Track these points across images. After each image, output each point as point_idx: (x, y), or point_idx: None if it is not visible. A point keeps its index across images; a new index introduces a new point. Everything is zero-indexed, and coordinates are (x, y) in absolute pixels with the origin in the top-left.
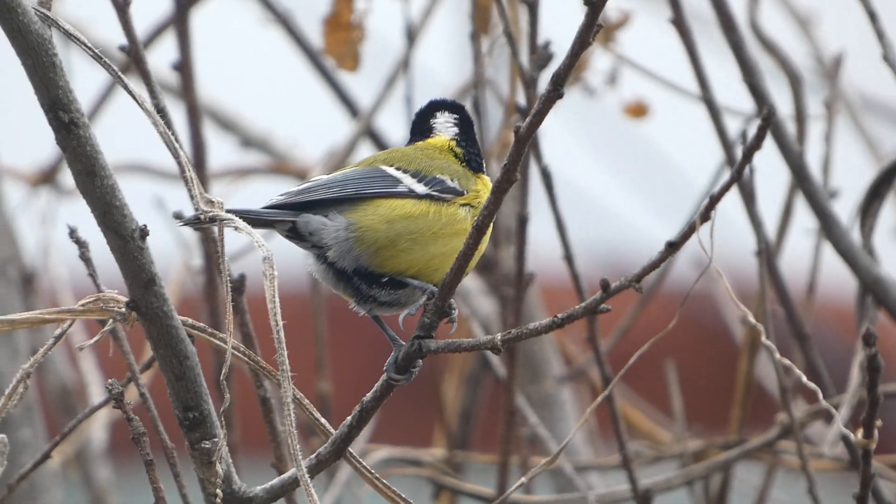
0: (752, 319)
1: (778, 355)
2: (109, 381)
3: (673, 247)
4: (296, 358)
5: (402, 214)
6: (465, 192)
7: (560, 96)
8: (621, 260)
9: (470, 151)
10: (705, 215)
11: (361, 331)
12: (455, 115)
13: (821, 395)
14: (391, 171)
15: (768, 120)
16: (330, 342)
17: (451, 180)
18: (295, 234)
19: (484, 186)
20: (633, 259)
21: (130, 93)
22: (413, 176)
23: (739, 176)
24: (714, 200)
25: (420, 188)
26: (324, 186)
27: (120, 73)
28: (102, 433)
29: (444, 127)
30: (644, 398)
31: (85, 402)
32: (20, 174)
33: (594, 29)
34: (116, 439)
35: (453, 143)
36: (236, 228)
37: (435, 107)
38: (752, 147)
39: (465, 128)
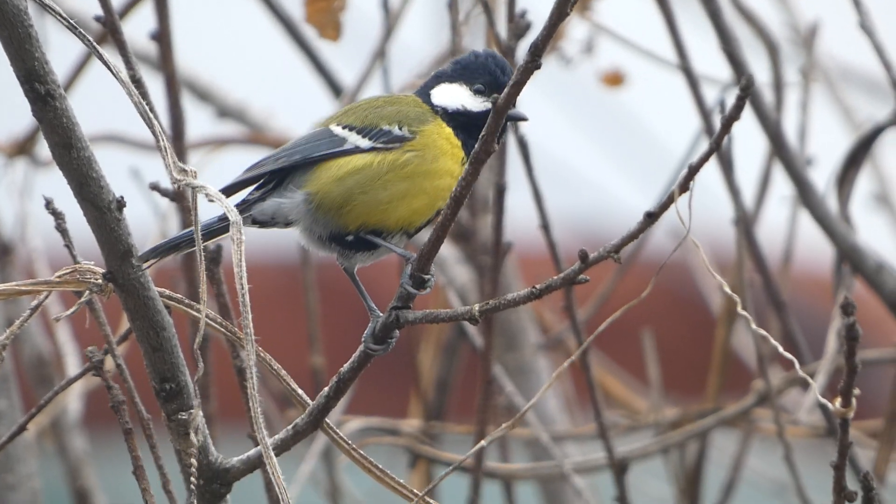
0: (728, 290)
1: (754, 325)
2: (89, 348)
3: (651, 217)
4: (287, 331)
5: (350, 170)
6: (413, 138)
7: (538, 67)
8: (599, 229)
9: (469, 114)
10: (684, 185)
11: (353, 304)
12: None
13: (797, 364)
14: (337, 130)
15: (747, 89)
16: (322, 316)
17: (400, 128)
18: (259, 223)
19: (439, 129)
20: (610, 228)
21: (106, 63)
22: (359, 132)
23: (718, 146)
24: (693, 171)
25: (364, 142)
26: (272, 158)
27: (95, 44)
28: (78, 403)
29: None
30: (621, 367)
31: (61, 373)
32: None
33: None
34: (92, 410)
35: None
36: (208, 196)
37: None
38: (732, 117)
39: (456, 70)
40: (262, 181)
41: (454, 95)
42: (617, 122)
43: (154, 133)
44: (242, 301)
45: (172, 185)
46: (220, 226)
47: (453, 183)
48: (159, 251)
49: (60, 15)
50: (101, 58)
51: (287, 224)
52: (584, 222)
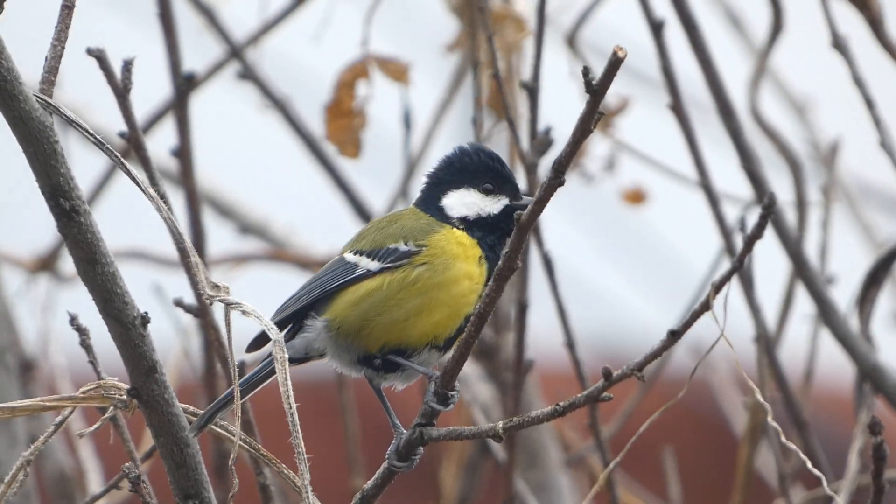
0: (760, 398)
1: (783, 437)
2: (126, 464)
3: (675, 335)
4: (319, 452)
5: (363, 294)
6: (420, 251)
7: (561, 183)
8: (619, 346)
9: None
10: (707, 304)
11: (384, 422)
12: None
13: (824, 481)
14: (350, 257)
15: (770, 208)
16: (361, 437)
17: (405, 243)
18: (296, 361)
19: (445, 234)
20: (631, 346)
21: (134, 179)
22: (368, 255)
23: (741, 265)
24: (716, 289)
25: (374, 265)
26: (294, 298)
27: (123, 160)
28: None
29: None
30: (642, 485)
31: (83, 490)
32: (19, 261)
33: (596, 116)
34: None
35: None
36: (244, 312)
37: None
38: (754, 236)
39: (454, 173)
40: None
41: (469, 203)
42: (637, 239)
43: (184, 249)
44: (292, 421)
45: (205, 301)
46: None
47: (473, 286)
48: (208, 416)
49: (88, 132)
50: (129, 174)
51: (321, 355)
52: (604, 339)
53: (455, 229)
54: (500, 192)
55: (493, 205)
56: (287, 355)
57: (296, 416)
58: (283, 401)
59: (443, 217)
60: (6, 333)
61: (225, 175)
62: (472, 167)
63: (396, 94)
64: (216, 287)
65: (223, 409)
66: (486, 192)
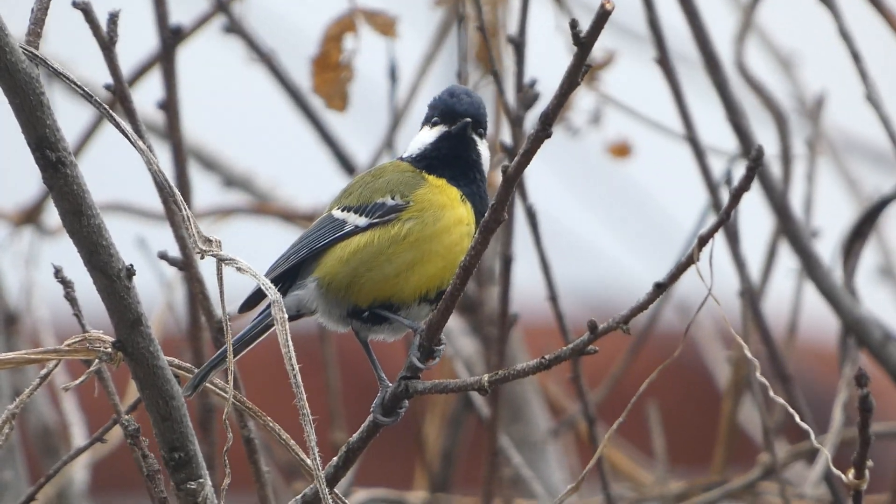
0: (748, 354)
1: (771, 392)
2: (126, 417)
3: (661, 287)
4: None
5: (352, 250)
6: (408, 205)
7: (548, 136)
8: (604, 300)
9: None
10: (696, 255)
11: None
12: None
13: (812, 434)
14: (338, 214)
15: (758, 161)
16: (342, 390)
17: (392, 198)
18: (290, 318)
19: (431, 188)
20: (616, 300)
21: (122, 131)
22: (356, 211)
23: (728, 217)
24: (702, 241)
25: (362, 221)
26: (283, 257)
27: (112, 113)
28: (84, 474)
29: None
30: (626, 440)
31: (67, 443)
32: (2, 214)
33: (583, 69)
34: (97, 480)
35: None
36: (238, 269)
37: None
38: (741, 188)
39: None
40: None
41: (416, 140)
42: (622, 194)
43: (174, 202)
44: (295, 383)
45: (192, 254)
46: (263, 325)
47: (466, 229)
48: (201, 376)
49: (75, 83)
50: (118, 127)
51: (312, 312)
52: (589, 293)
53: (437, 179)
54: (443, 123)
55: (432, 134)
56: (286, 315)
57: (299, 377)
58: (285, 362)
59: (412, 163)
60: None
61: (210, 129)
62: (430, 107)
63: (380, 48)
64: (208, 241)
65: (216, 369)
66: (433, 125)
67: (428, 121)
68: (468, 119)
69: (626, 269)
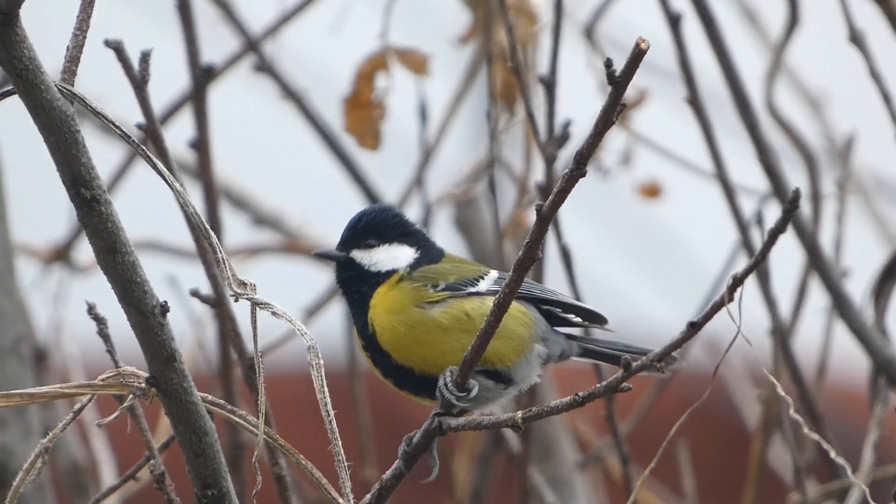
0: (781, 392)
1: (806, 429)
2: (152, 462)
3: (695, 327)
4: (326, 440)
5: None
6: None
7: (583, 175)
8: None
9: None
10: (729, 296)
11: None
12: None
13: (849, 469)
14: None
15: (794, 203)
16: (372, 427)
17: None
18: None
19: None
20: (640, 340)
21: (159, 172)
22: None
23: (763, 258)
24: (737, 282)
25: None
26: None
27: (148, 153)
28: None
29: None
30: (656, 479)
31: (97, 481)
32: (34, 251)
33: (618, 108)
34: None
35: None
36: (274, 313)
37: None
38: (777, 230)
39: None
40: None
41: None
42: (647, 234)
43: (208, 243)
44: (330, 429)
45: (224, 294)
46: None
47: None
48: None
49: (112, 122)
50: (154, 166)
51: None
52: (615, 335)
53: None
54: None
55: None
56: (322, 361)
57: (334, 423)
58: (320, 408)
59: None
60: (21, 323)
61: (239, 167)
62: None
63: (405, 87)
64: (243, 284)
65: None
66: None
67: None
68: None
69: (651, 310)
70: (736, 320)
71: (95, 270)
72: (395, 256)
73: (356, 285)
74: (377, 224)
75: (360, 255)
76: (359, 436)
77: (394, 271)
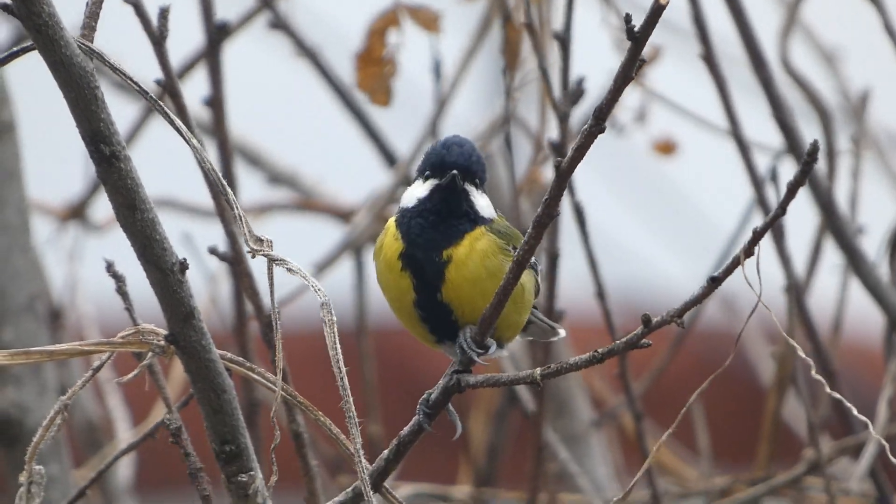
0: (798, 349)
1: (827, 387)
2: (167, 416)
3: (716, 282)
4: (335, 396)
5: None
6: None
7: (602, 131)
8: (643, 301)
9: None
10: (749, 250)
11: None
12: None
13: (870, 425)
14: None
15: (813, 155)
16: (378, 383)
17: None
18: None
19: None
20: (653, 300)
21: (178, 129)
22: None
23: (783, 212)
24: (758, 236)
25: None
26: None
27: (167, 110)
28: (128, 469)
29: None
30: (670, 436)
31: (111, 438)
32: (49, 209)
33: (636, 64)
34: (142, 475)
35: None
36: (289, 270)
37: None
38: (797, 183)
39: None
40: None
41: (409, 194)
42: (659, 192)
43: (225, 199)
44: (342, 385)
45: (241, 251)
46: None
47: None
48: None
49: (130, 78)
50: (170, 121)
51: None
52: (627, 293)
53: (392, 227)
54: (434, 176)
55: (423, 189)
56: (335, 318)
57: (346, 380)
58: (332, 365)
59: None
60: (36, 282)
61: (254, 125)
62: (425, 159)
63: (416, 44)
64: (259, 241)
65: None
66: (425, 179)
67: (421, 173)
68: (454, 172)
69: (664, 269)
70: (754, 277)
71: (110, 229)
72: (488, 205)
73: (456, 216)
74: (481, 164)
75: (472, 192)
76: (365, 392)
77: (490, 220)
